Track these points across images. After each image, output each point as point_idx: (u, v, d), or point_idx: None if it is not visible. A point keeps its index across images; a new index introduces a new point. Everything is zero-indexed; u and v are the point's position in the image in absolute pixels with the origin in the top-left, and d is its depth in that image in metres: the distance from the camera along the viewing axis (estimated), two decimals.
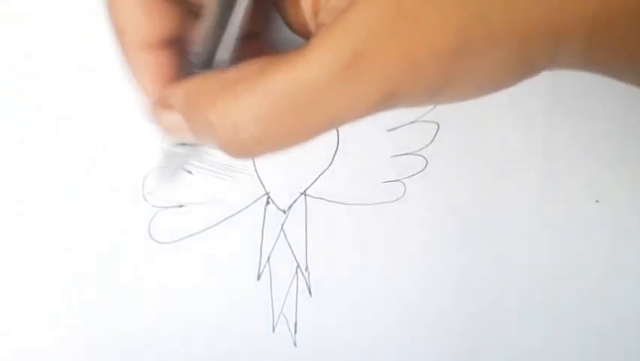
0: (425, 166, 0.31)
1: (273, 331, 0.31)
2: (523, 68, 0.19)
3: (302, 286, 0.31)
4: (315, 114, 0.17)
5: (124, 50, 0.22)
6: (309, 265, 0.31)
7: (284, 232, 0.30)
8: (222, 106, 0.18)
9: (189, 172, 0.30)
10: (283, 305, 0.31)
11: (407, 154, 0.31)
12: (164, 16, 0.21)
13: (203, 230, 0.30)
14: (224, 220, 0.30)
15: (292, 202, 0.30)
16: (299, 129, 0.18)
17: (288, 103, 0.17)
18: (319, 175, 0.30)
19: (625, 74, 0.21)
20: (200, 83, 0.19)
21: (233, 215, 0.30)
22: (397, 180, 0.31)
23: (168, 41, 0.21)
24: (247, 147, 0.18)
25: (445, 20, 0.17)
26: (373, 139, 0.30)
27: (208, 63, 0.20)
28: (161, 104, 0.21)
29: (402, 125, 0.31)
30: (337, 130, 0.30)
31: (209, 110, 0.18)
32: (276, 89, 0.17)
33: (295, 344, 0.31)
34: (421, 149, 0.31)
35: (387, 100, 0.17)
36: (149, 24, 0.21)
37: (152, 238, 0.29)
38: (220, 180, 0.30)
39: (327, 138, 0.30)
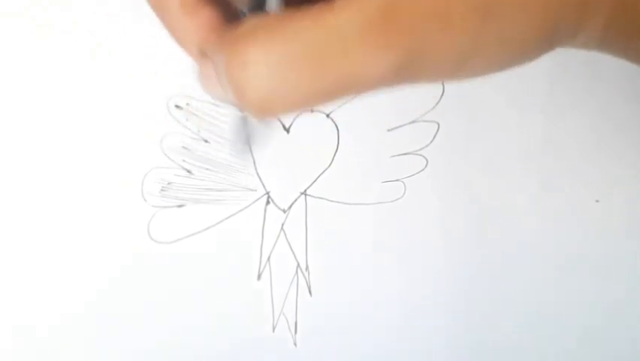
0: (425, 166, 0.31)
1: (273, 331, 0.31)
2: (547, 37, 0.19)
3: (302, 285, 0.31)
4: (337, 68, 0.17)
5: (165, 20, 0.22)
6: (309, 264, 0.31)
7: (284, 232, 0.30)
8: (242, 51, 0.17)
9: (189, 172, 0.30)
10: (283, 305, 0.31)
11: (407, 154, 0.31)
12: None
13: (203, 230, 0.30)
14: (224, 220, 0.30)
15: (292, 202, 0.30)
16: (318, 82, 0.17)
17: (309, 51, 0.16)
18: (319, 175, 0.30)
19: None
20: (230, 31, 0.19)
21: (233, 215, 0.30)
22: (397, 180, 0.31)
23: (206, 1, 0.21)
24: (264, 97, 0.17)
25: None
26: (373, 139, 0.30)
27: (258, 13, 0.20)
28: (201, 54, 0.21)
29: (402, 125, 0.31)
30: (337, 130, 0.30)
31: (231, 55, 0.17)
32: (299, 36, 0.16)
33: (295, 344, 0.31)
34: (421, 149, 0.31)
35: (412, 63, 0.17)
36: None
37: (152, 238, 0.29)
38: (220, 180, 0.30)
39: (328, 138, 0.30)
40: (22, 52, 0.28)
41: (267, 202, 0.30)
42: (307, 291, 0.31)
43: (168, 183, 0.29)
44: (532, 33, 0.18)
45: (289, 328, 0.31)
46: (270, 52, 0.17)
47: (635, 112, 0.31)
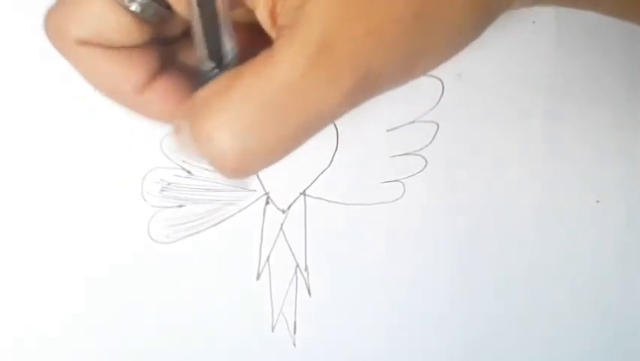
0: (425, 166, 0.31)
1: (272, 331, 0.31)
2: (483, 14, 0.19)
3: (301, 285, 0.31)
4: (295, 116, 0.17)
5: (123, 104, 0.22)
6: (308, 264, 0.31)
7: (283, 232, 0.30)
8: (202, 125, 0.17)
9: (189, 172, 0.30)
10: (282, 305, 0.31)
11: (407, 154, 0.31)
12: (143, 56, 0.21)
13: (203, 230, 0.30)
14: (224, 220, 0.30)
15: (292, 202, 0.30)
16: (282, 133, 0.17)
17: (263, 110, 0.16)
18: (319, 175, 0.30)
19: (576, 2, 0.21)
20: (191, 101, 0.19)
21: (233, 215, 0.30)
22: (397, 181, 0.31)
23: (158, 73, 0.21)
24: (236, 162, 0.17)
25: None
26: (373, 139, 0.30)
27: (219, 67, 0.20)
28: (175, 128, 0.21)
29: (401, 126, 0.31)
30: (337, 130, 0.30)
31: (195, 131, 0.17)
32: (249, 97, 0.16)
33: (294, 344, 0.31)
34: (421, 149, 0.31)
35: (366, 83, 0.17)
36: (131, 72, 0.21)
37: (152, 238, 0.29)
38: (220, 181, 0.30)
39: (327, 138, 0.30)
40: (21, 50, 0.28)
41: (267, 202, 0.30)
42: (306, 291, 0.31)
43: (168, 184, 0.29)
44: (466, 18, 0.18)
45: (288, 328, 0.31)
46: (227, 120, 0.17)
47: (635, 112, 0.31)
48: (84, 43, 0.20)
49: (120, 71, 0.21)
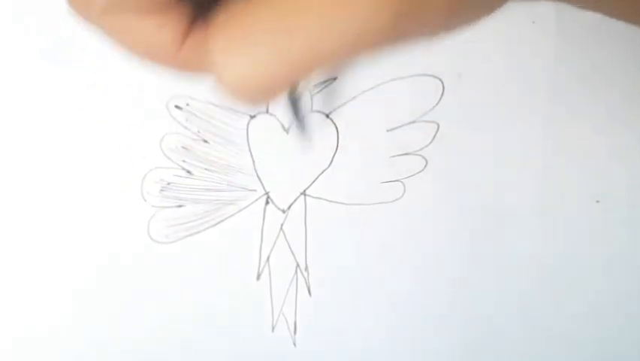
0: (425, 166, 0.31)
1: (273, 330, 0.31)
2: None
3: (301, 285, 0.31)
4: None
5: (164, 65, 0.21)
6: (308, 264, 0.31)
7: (283, 232, 0.30)
8: (213, 33, 0.16)
9: (189, 172, 0.30)
10: (283, 305, 0.31)
11: (407, 154, 0.31)
12: (176, 14, 0.20)
13: (203, 230, 0.30)
14: (224, 220, 0.30)
15: (292, 202, 0.30)
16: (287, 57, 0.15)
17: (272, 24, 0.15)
18: (319, 175, 0.30)
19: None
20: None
21: (233, 215, 0.30)
22: (397, 180, 0.31)
23: (191, 27, 0.21)
24: (240, 80, 0.16)
25: None
26: (373, 139, 0.30)
27: None
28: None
29: (402, 125, 0.31)
30: (337, 130, 0.30)
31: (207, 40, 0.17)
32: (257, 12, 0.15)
33: (294, 344, 0.31)
34: (421, 149, 0.31)
35: (405, 18, 0.15)
36: (166, 31, 0.20)
37: (152, 238, 0.29)
38: (220, 181, 0.30)
39: (327, 138, 0.30)
40: (21, 50, 0.28)
41: (267, 202, 0.30)
42: (307, 291, 0.31)
43: (168, 183, 0.29)
44: None
45: (288, 328, 0.31)
46: (236, 32, 0.16)
47: (636, 111, 0.31)
48: (111, 10, 0.19)
49: (155, 31, 0.20)
